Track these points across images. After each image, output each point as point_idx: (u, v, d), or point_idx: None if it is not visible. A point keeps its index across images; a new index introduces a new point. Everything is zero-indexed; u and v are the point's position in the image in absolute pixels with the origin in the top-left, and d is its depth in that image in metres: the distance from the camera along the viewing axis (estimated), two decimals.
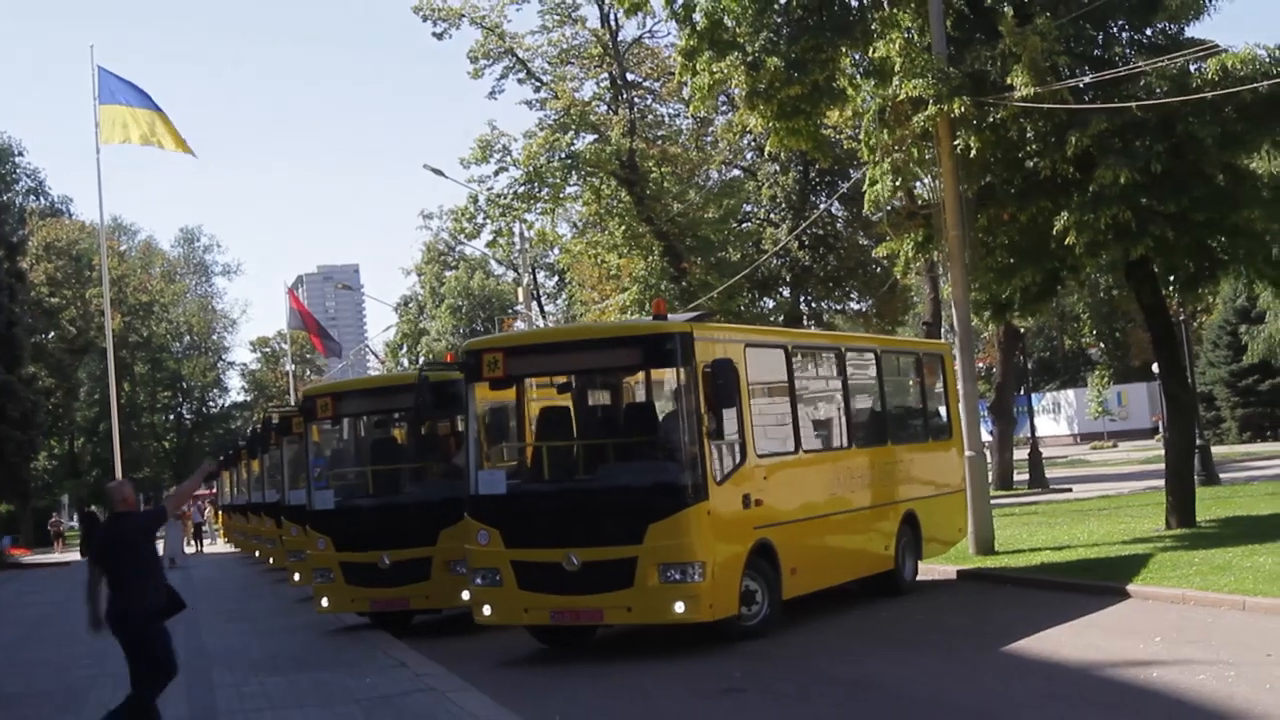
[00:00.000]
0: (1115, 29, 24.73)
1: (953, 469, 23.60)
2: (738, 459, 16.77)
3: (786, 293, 50.79)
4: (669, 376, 17.32)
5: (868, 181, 26.34)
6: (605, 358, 17.71)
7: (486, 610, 16.68)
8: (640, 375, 19.15)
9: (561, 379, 19.22)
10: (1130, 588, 18.74)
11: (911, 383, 24.01)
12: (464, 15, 45.94)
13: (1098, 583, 19.61)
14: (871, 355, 22.41)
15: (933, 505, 22.19)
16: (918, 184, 27.84)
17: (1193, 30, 24.47)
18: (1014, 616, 18.06)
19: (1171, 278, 25.54)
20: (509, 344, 19.11)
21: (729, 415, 16.27)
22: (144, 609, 11.95)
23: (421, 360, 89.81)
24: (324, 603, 21.07)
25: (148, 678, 12.02)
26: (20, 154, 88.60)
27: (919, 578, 21.75)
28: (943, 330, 39.79)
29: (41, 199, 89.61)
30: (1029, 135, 23.91)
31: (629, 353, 17.28)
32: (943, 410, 23.99)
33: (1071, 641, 15.52)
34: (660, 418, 17.56)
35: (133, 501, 12.84)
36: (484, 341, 19.21)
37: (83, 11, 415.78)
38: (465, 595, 19.64)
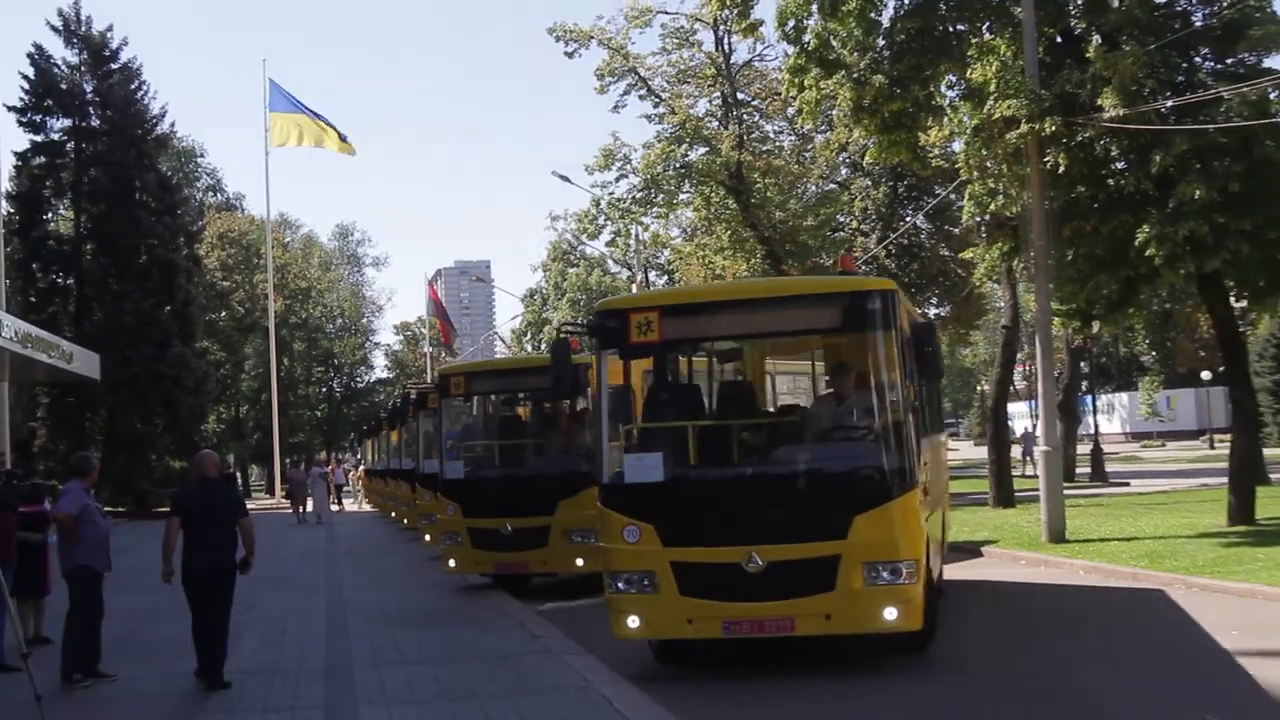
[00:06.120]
0: (1199, 57, 23.63)
1: None
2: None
3: None
4: (864, 343, 12.64)
5: (967, 196, 25.63)
6: (795, 318, 13.06)
7: (634, 622, 12.36)
8: (827, 340, 14.67)
9: (728, 346, 15.16)
10: (1197, 580, 17.64)
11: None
12: (593, 37, 45.44)
13: (1164, 574, 18.44)
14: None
15: None
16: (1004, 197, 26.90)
17: (1271, 61, 23.30)
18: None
19: (1245, 291, 24.46)
20: (666, 302, 13.65)
21: (934, 390, 13.23)
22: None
23: (545, 343, 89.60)
24: (451, 563, 20.83)
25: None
26: (201, 155, 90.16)
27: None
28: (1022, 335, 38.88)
29: (218, 195, 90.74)
30: (1114, 154, 23.24)
31: (827, 313, 12.74)
32: None
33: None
34: (859, 389, 13.18)
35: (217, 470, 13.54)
36: (631, 300, 14.68)
37: (255, 23, 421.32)
38: (580, 562, 19.17)
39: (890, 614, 11.70)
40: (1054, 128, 22.26)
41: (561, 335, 14.16)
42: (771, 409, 15.83)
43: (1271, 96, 21.88)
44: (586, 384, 19.48)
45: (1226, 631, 13.93)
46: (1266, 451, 41.73)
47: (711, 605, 11.98)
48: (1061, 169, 22.93)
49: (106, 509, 15.94)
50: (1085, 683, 11.71)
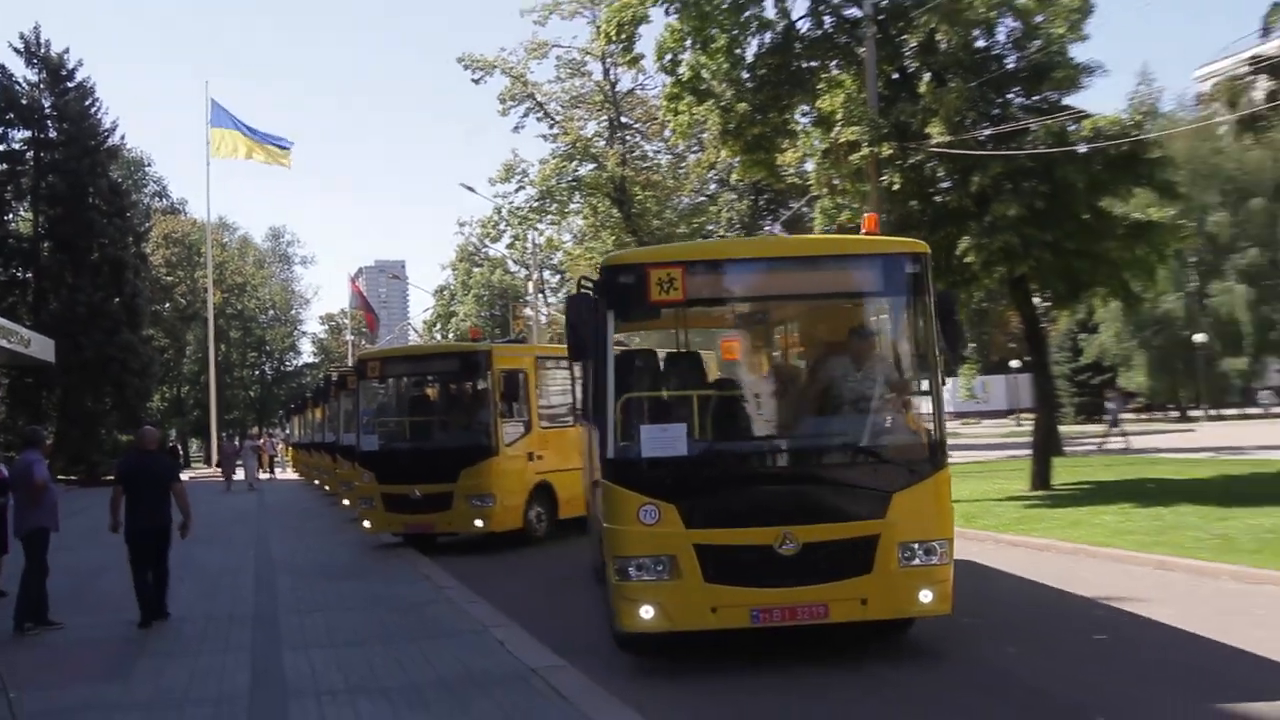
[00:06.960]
0: (1011, 94, 24.10)
1: None
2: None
3: None
4: (901, 307, 10.23)
5: (818, 209, 26.14)
6: (830, 279, 10.41)
7: (648, 613, 9.67)
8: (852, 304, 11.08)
9: (748, 308, 11.97)
10: (1004, 536, 18.10)
11: None
12: (496, 66, 45.56)
13: (978, 531, 18.79)
14: None
15: None
16: (848, 210, 27.38)
17: (1071, 99, 23.82)
18: None
19: (1047, 293, 25.15)
20: (691, 257, 10.66)
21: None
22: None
23: (452, 333, 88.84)
24: (367, 524, 20.71)
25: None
26: (149, 164, 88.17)
27: None
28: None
29: (164, 200, 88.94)
30: (940, 175, 23.78)
31: (862, 274, 10.33)
32: None
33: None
34: (894, 358, 10.54)
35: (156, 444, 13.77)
36: (650, 253, 11.15)
37: (198, 49, 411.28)
38: (479, 523, 19.26)
39: (925, 596, 9.70)
40: (890, 151, 22.73)
41: (582, 290, 10.60)
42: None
43: (1070, 128, 22.48)
44: (488, 368, 19.67)
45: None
46: (1062, 428, 42.76)
47: (740, 592, 9.57)
48: (897, 187, 23.37)
49: (59, 478, 15.69)
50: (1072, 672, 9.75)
